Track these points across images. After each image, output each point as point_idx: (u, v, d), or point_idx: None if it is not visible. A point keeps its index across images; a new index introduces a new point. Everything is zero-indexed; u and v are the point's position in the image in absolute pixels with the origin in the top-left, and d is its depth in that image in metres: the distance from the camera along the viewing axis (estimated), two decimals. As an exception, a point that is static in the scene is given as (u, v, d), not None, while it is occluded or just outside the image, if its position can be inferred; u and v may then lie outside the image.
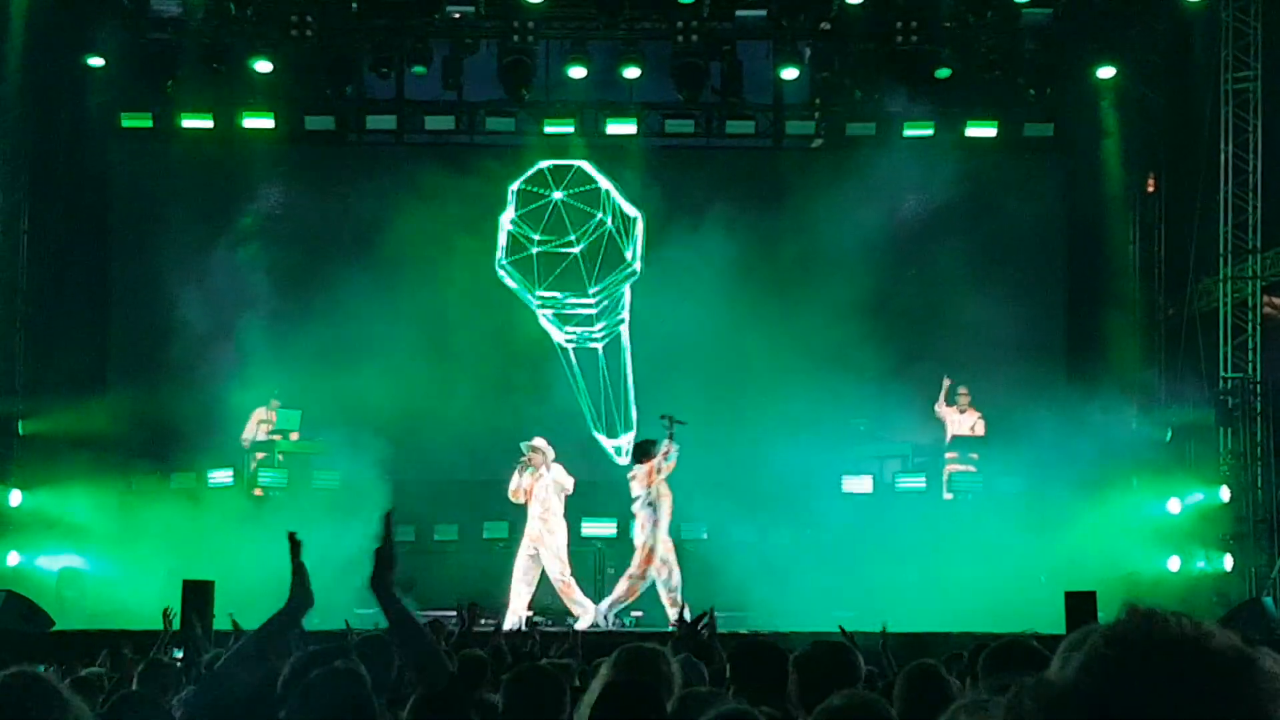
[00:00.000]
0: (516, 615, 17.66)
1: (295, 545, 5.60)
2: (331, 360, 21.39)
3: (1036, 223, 22.35)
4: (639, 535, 17.87)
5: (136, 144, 21.95)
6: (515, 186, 21.22)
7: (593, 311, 21.28)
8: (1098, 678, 1.74)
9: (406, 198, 20.75)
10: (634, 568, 17.89)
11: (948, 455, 20.24)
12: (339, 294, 21.25)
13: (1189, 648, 1.74)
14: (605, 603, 17.89)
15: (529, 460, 18.13)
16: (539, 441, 18.30)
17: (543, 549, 18.06)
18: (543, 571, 18.17)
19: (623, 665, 4.93)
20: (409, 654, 5.46)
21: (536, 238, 21.08)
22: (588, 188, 21.20)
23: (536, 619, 17.47)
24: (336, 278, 21.14)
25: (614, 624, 17.70)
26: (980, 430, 20.16)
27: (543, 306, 21.28)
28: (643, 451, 18.01)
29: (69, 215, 21.67)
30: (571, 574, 18.30)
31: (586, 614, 17.78)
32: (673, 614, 17.24)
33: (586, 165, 21.22)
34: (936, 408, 20.23)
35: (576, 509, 20.30)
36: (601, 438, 21.53)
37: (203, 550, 18.46)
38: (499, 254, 21.31)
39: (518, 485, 18.16)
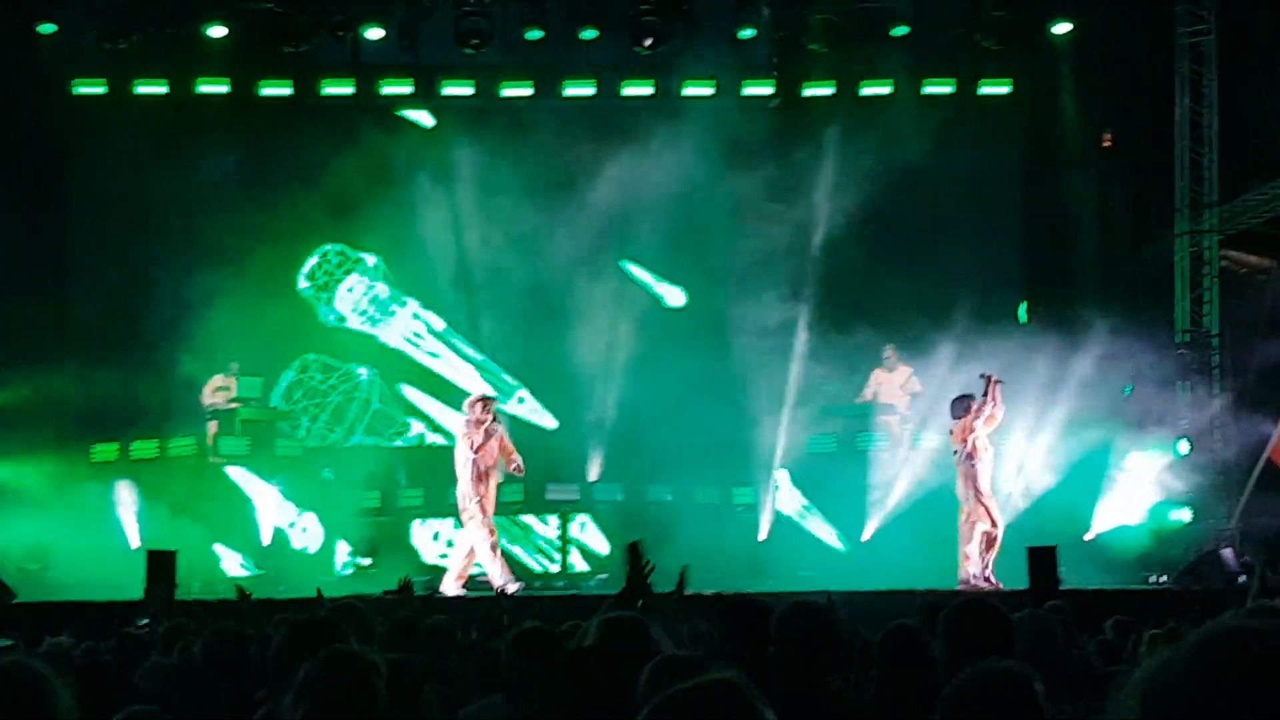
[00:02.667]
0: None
1: None
2: (294, 327, 21.39)
3: (994, 180, 22.38)
4: (960, 490, 17.34)
5: (91, 111, 21.76)
6: None
7: None
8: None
9: (366, 161, 20.69)
10: (962, 525, 17.25)
11: (882, 419, 20.06)
12: (299, 260, 21.16)
13: None
14: (974, 570, 17.00)
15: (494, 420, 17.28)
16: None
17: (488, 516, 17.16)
18: None
19: (605, 634, 4.89)
20: None
21: None
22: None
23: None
24: (296, 243, 21.04)
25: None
26: (915, 385, 20.01)
27: None
28: (959, 407, 17.37)
29: (24, 183, 21.46)
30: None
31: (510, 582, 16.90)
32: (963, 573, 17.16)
33: None
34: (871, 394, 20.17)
35: (538, 473, 20.36)
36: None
37: (164, 520, 18.46)
38: None
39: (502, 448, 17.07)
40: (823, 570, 18.08)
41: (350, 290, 22.07)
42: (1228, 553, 17.98)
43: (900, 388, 20.06)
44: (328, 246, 21.97)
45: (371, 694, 4.11)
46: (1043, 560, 14.22)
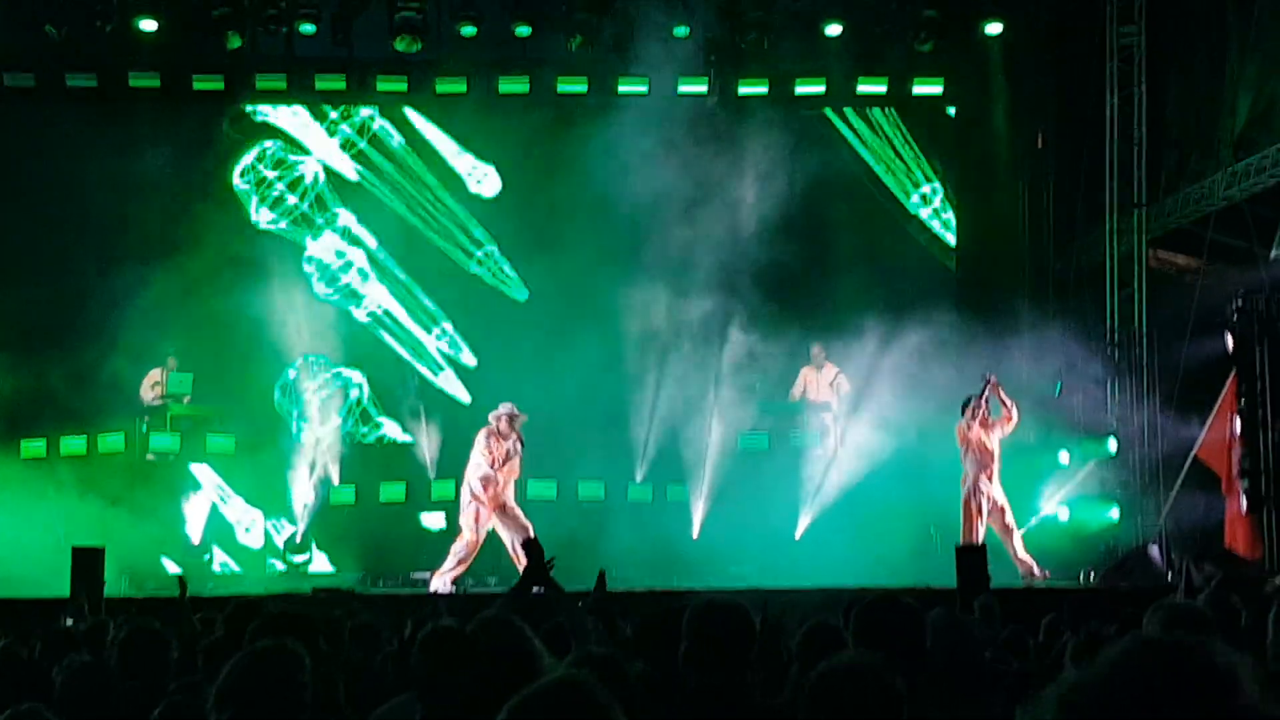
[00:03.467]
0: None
1: None
2: (225, 322, 21.24)
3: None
4: (963, 490, 17.67)
5: (19, 104, 21.56)
6: None
7: None
8: None
9: (299, 156, 20.62)
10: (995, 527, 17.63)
11: (824, 415, 20.17)
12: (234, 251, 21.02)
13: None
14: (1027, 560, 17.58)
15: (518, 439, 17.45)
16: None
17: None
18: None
19: (478, 635, 4.85)
20: None
21: None
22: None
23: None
24: (228, 239, 20.90)
25: None
26: (844, 385, 20.11)
27: None
28: (963, 409, 17.79)
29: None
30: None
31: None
32: (1020, 568, 17.35)
33: None
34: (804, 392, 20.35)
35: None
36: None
37: (93, 516, 18.29)
38: None
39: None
40: (755, 567, 18.14)
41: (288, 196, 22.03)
42: (1155, 551, 18.13)
43: (828, 385, 20.13)
44: (267, 143, 21.82)
45: (298, 690, 4.08)
46: (971, 558, 14.30)
